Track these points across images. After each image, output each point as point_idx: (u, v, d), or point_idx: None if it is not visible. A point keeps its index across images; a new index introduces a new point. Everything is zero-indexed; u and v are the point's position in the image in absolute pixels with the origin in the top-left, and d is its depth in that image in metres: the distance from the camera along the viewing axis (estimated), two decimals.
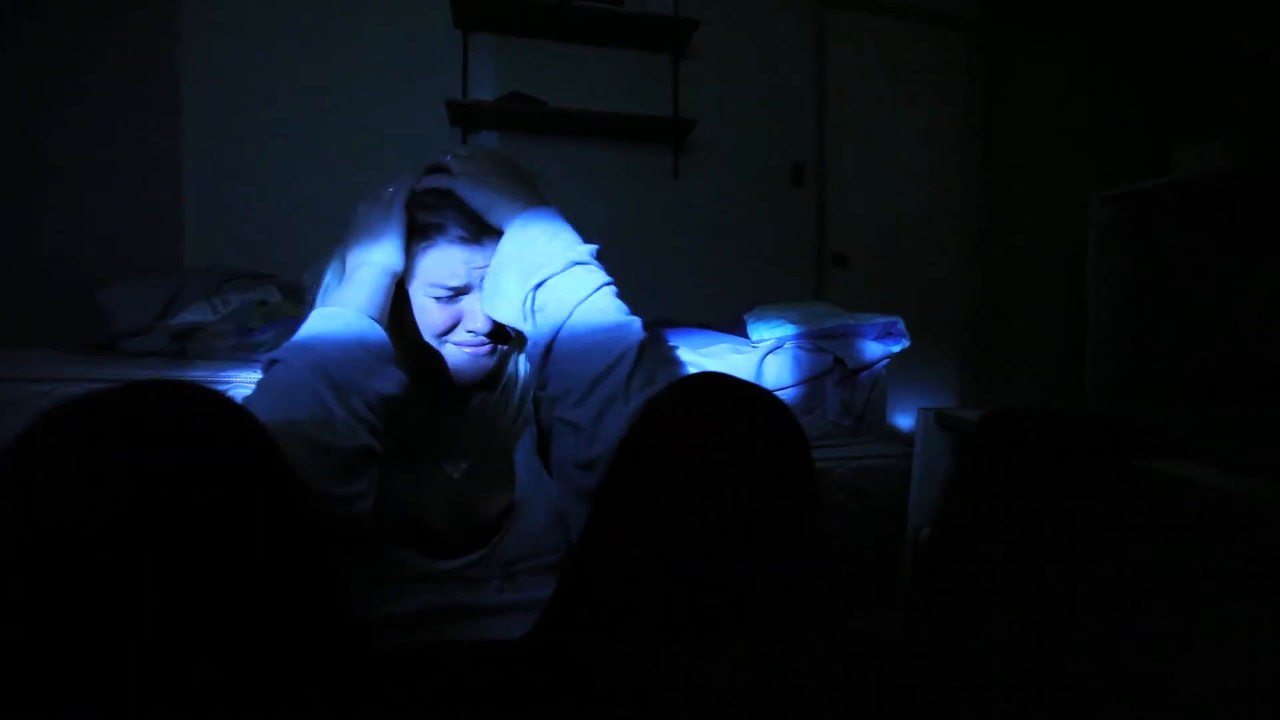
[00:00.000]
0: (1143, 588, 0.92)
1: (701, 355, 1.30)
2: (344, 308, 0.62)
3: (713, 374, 0.55)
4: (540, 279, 0.62)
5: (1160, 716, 0.81)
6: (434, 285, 0.67)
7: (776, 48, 2.71)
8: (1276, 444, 1.24)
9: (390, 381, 0.61)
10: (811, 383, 1.35)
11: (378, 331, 0.62)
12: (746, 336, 1.42)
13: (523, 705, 0.56)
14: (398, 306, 0.69)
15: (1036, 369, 2.68)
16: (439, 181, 0.69)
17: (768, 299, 2.12)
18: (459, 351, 0.70)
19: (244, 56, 2.20)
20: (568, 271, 0.63)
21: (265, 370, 0.60)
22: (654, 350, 0.74)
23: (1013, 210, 2.82)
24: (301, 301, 1.49)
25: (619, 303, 0.64)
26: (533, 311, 0.63)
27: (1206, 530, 0.93)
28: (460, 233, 0.67)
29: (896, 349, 1.44)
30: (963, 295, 2.98)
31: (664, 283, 2.58)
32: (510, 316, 0.65)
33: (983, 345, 2.96)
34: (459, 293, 0.68)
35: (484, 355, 0.70)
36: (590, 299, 0.62)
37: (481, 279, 0.67)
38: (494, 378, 0.74)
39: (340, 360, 0.58)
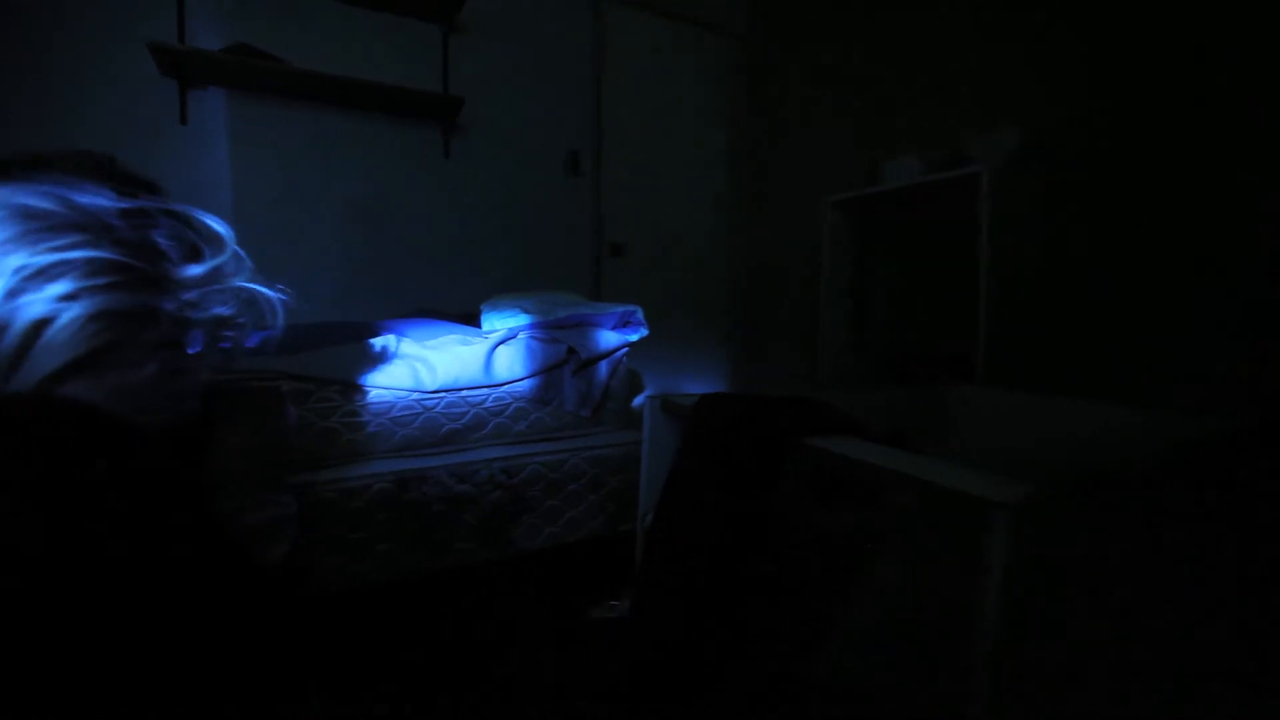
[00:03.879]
0: (812, 550, 1.04)
1: (426, 348, 1.22)
2: None
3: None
4: None
5: (837, 666, 0.92)
6: None
7: (552, 31, 2.67)
8: (930, 418, 1.48)
9: None
10: (547, 374, 1.33)
11: None
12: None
13: None
14: None
15: (789, 356, 2.98)
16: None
17: (544, 288, 2.09)
18: None
19: None
20: None
21: None
22: None
23: (767, 210, 3.09)
24: None
25: None
26: None
27: (859, 497, 1.07)
28: None
29: (635, 338, 1.48)
30: (728, 287, 3.21)
31: (430, 269, 2.43)
32: None
33: (744, 334, 3.21)
34: None
35: None
36: None
37: None
38: None
39: None
